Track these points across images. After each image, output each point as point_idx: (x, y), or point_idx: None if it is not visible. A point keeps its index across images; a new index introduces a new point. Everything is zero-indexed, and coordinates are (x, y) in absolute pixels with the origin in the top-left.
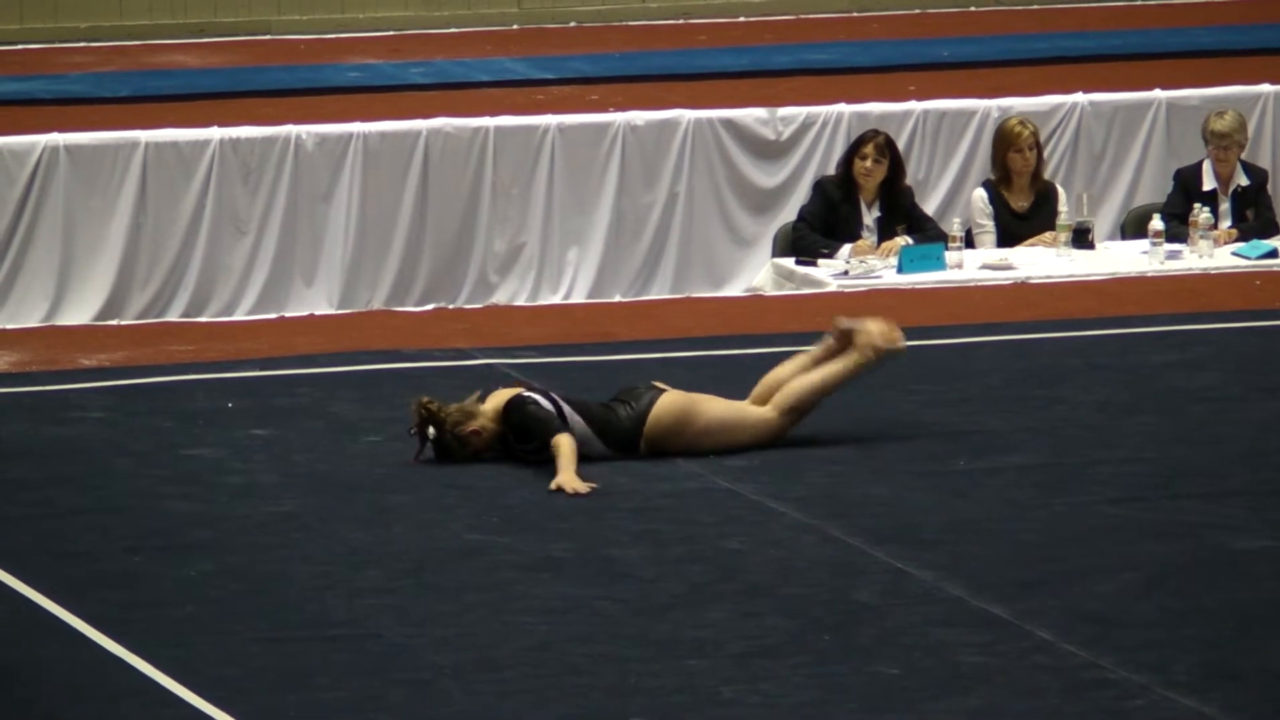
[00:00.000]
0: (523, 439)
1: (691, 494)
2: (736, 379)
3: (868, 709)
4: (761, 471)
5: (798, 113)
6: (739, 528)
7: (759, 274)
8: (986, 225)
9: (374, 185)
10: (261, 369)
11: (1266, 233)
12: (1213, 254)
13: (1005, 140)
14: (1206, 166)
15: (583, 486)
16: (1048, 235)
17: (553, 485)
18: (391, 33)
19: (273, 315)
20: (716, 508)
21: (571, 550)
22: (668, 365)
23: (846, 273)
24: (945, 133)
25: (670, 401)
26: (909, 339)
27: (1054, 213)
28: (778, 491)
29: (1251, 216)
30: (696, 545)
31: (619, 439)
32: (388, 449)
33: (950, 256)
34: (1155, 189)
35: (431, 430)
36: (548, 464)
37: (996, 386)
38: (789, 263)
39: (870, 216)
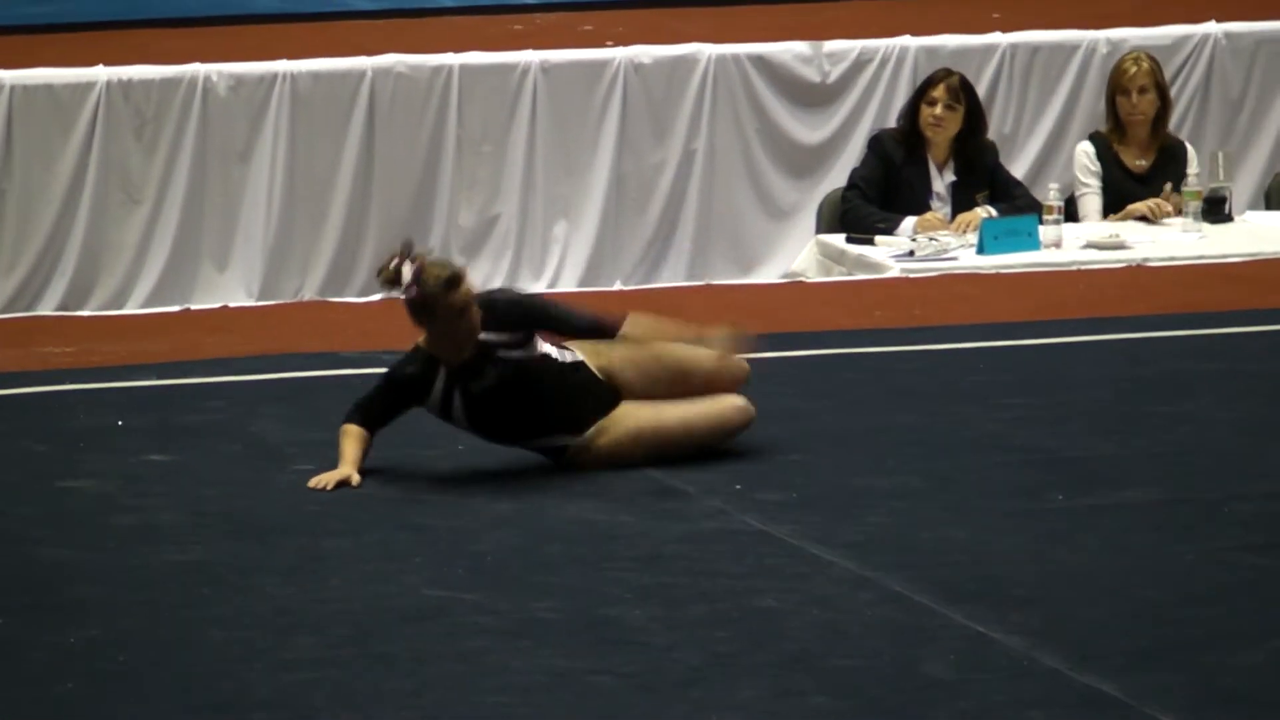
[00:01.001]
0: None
1: (713, 536)
2: (770, 387)
3: None
4: (803, 508)
5: (848, 47)
6: (774, 581)
7: (799, 255)
8: (1093, 187)
9: (305, 141)
10: (161, 376)
11: None
12: None
13: (1116, 82)
14: None
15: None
16: (1169, 198)
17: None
18: None
19: (175, 308)
20: (745, 555)
21: (560, 610)
22: None
23: (912, 253)
24: (1039, 73)
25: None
26: (991, 337)
27: (1181, 175)
28: (824, 534)
29: None
30: (720, 603)
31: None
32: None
33: (1045, 232)
34: None
35: (408, 271)
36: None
37: (1105, 400)
38: (838, 240)
39: (942, 181)
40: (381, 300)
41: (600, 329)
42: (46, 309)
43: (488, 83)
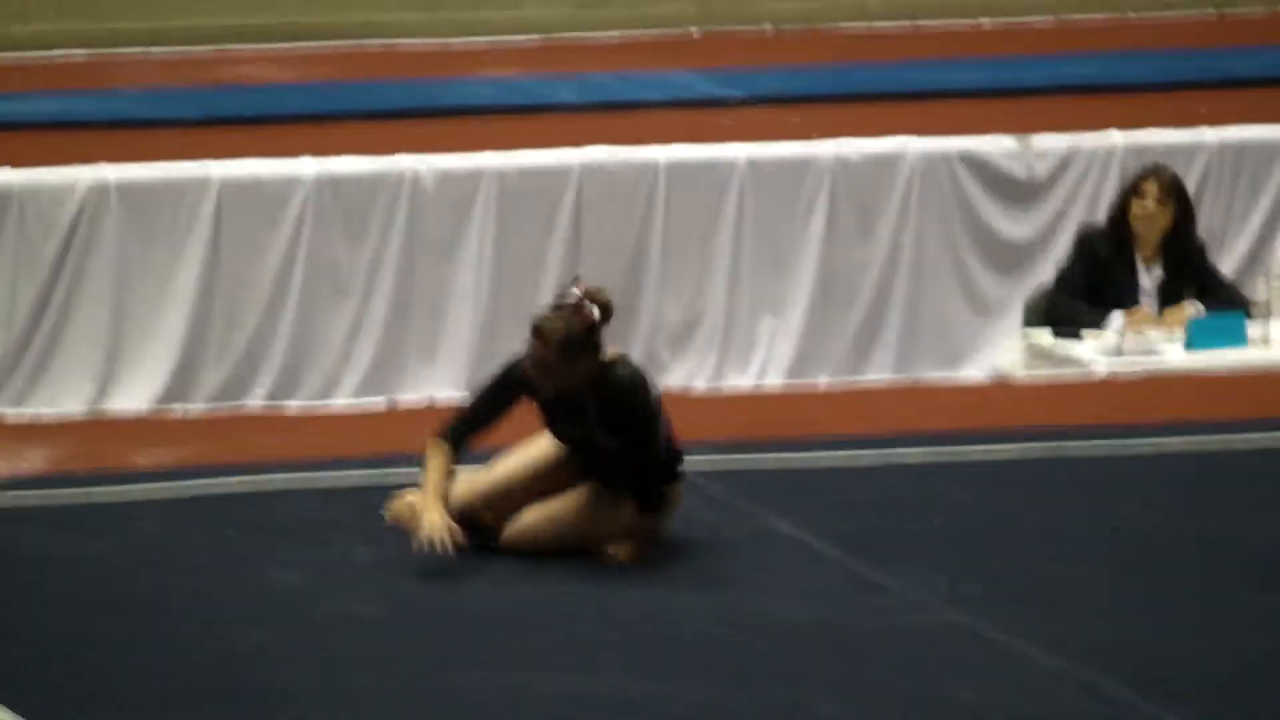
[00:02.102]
0: (617, 428)
1: (912, 630)
2: (977, 487)
3: None
4: (999, 597)
5: (1056, 143)
6: (972, 674)
7: (1006, 351)
8: None
9: (511, 235)
10: (365, 469)
11: None
12: None
13: None
14: None
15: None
16: None
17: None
18: (536, 38)
19: (381, 401)
20: (943, 648)
21: (758, 702)
22: (889, 468)
23: (1120, 350)
24: (1247, 169)
25: None
26: (1199, 433)
27: None
28: (1024, 627)
29: None
30: (918, 697)
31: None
32: (524, 572)
33: (1254, 329)
34: None
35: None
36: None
37: None
38: (1044, 336)
39: (1150, 277)
40: None
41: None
42: (254, 401)
43: (694, 177)
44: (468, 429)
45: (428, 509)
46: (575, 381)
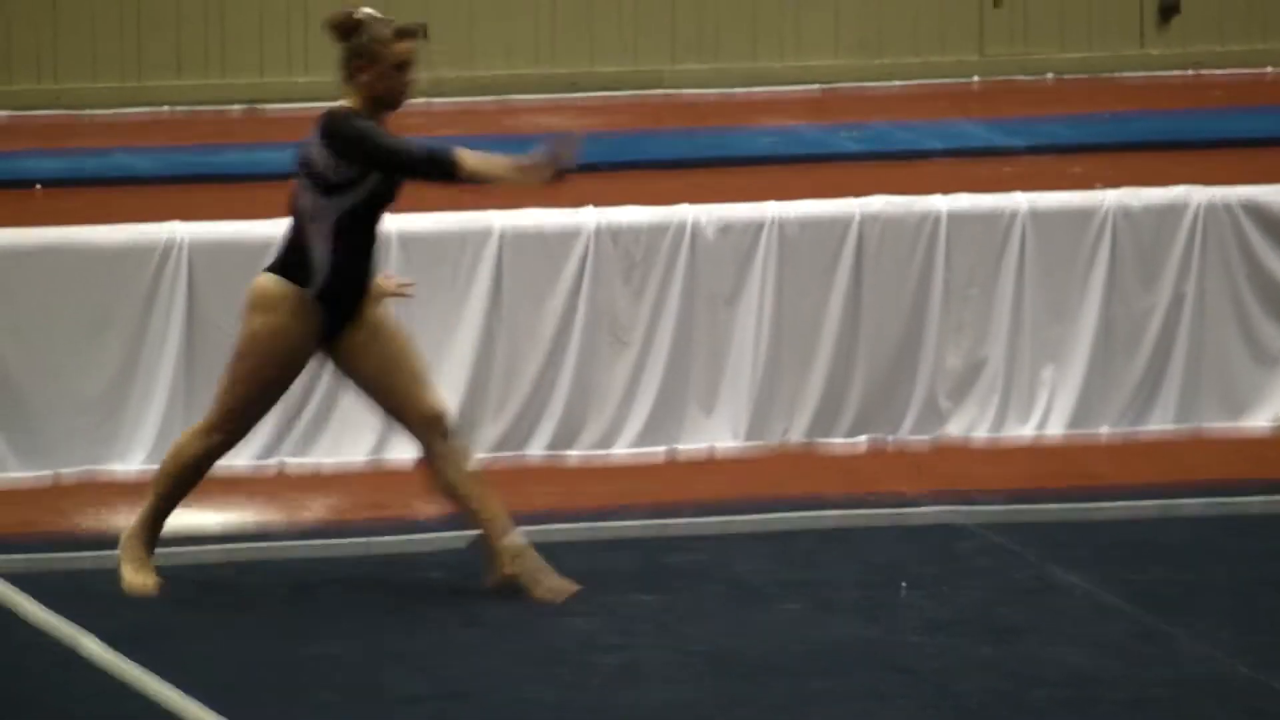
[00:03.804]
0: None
1: (1199, 682)
2: (1262, 538)
3: None
4: None
5: None
6: None
7: None
8: None
9: (792, 284)
10: (647, 518)
11: None
12: None
13: None
14: None
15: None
16: None
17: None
18: (817, 87)
19: (661, 450)
20: (1229, 699)
21: None
22: (1172, 519)
23: None
24: None
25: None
26: None
27: None
28: None
29: None
30: None
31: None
32: (810, 619)
33: None
34: None
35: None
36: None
37: None
38: None
39: None
40: (868, 444)
41: (438, 163)
42: (534, 451)
43: (975, 226)
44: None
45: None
46: (406, 87)
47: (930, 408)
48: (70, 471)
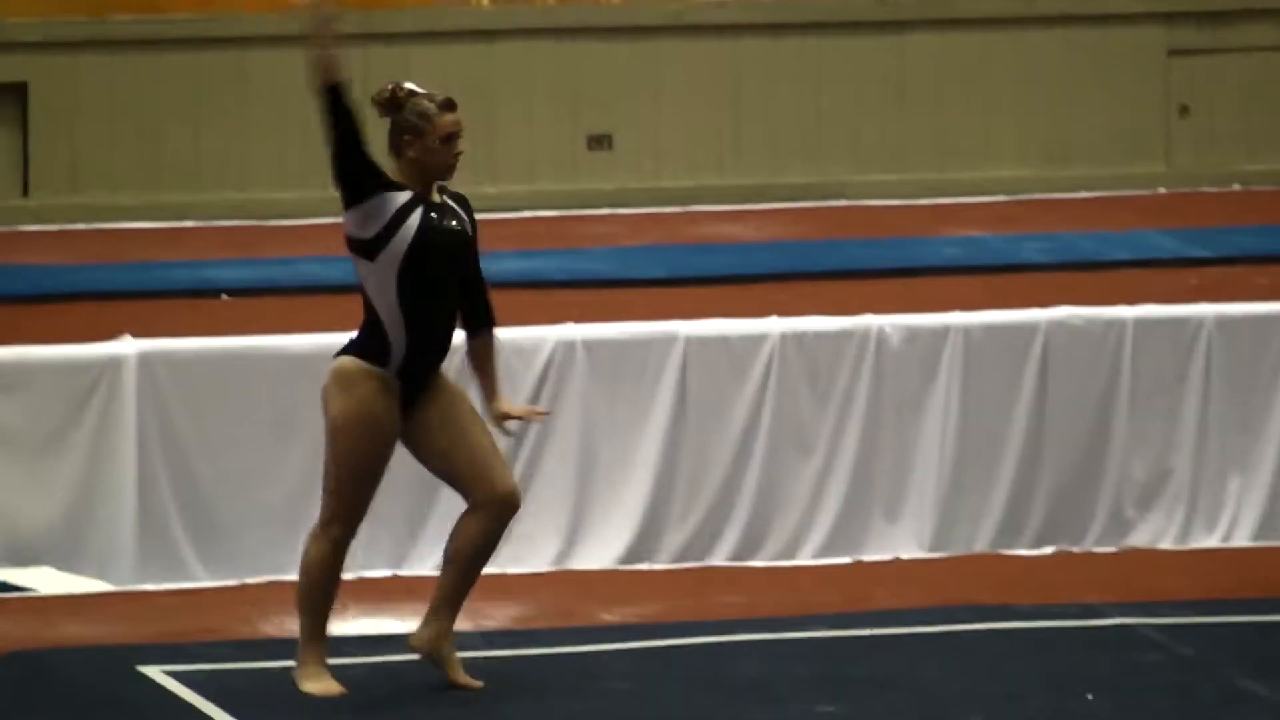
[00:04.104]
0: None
1: None
2: None
3: None
4: None
5: None
6: None
7: None
8: None
9: (977, 392)
10: (831, 628)
11: None
12: None
13: None
14: None
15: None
16: None
17: None
18: (1003, 198)
19: (846, 559)
20: None
21: None
22: None
23: None
24: None
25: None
26: None
27: None
28: None
29: None
30: None
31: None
32: None
33: None
34: None
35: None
36: None
37: None
38: None
39: None
40: (1054, 554)
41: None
42: (718, 559)
43: (1161, 335)
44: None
45: None
46: (452, 159)
47: (1116, 517)
48: (256, 581)
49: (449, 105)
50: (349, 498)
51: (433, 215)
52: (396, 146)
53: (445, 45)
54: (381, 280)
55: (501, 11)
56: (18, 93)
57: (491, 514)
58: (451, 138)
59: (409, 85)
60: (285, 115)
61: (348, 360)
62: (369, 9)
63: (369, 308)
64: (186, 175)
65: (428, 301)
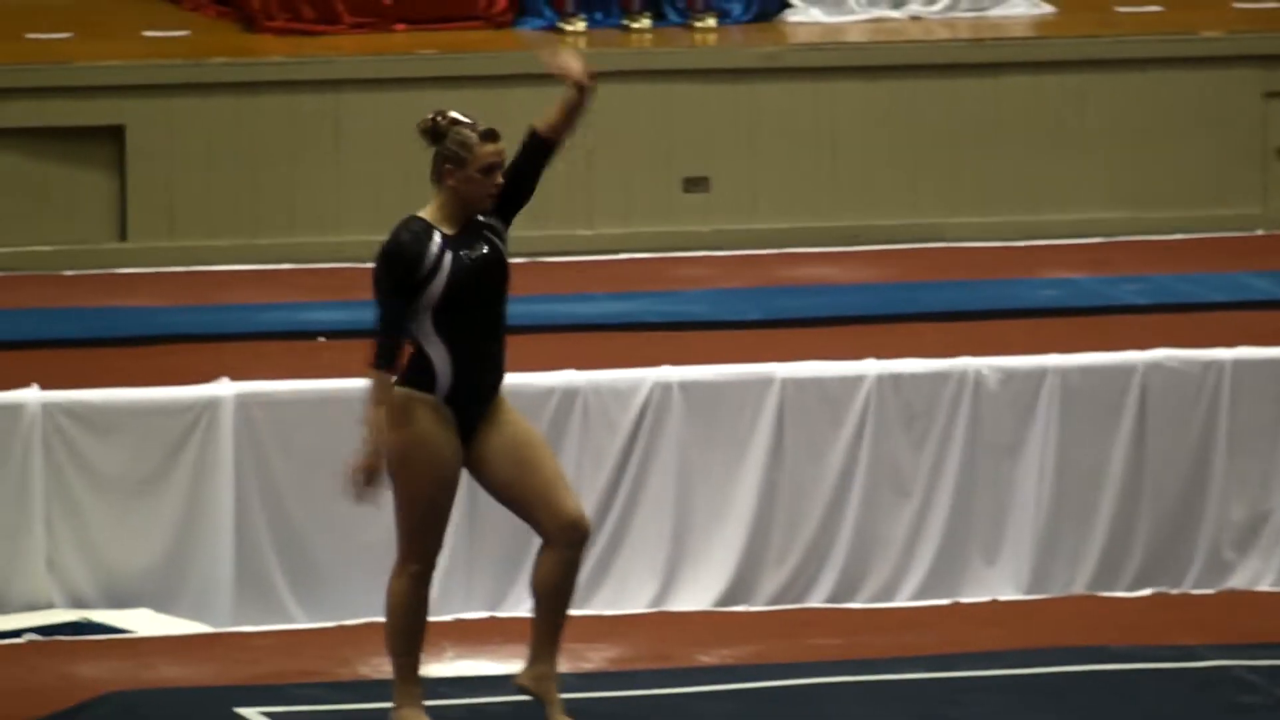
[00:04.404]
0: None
1: None
2: None
3: None
4: None
5: None
6: None
7: None
8: None
9: (1075, 435)
10: (928, 670)
11: None
12: None
13: None
14: None
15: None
16: None
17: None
18: (1098, 240)
19: (944, 601)
20: None
21: None
22: None
23: None
24: None
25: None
26: None
27: None
28: None
29: None
30: None
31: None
32: None
33: None
34: None
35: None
36: None
37: None
38: None
39: None
40: (1151, 596)
41: (373, 352)
42: (816, 601)
43: (1258, 378)
44: (395, 345)
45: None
46: (493, 189)
47: (1214, 559)
48: (353, 622)
49: (491, 136)
50: (419, 534)
51: (462, 254)
52: (438, 174)
53: (541, 88)
54: (419, 318)
55: (597, 54)
56: (115, 135)
57: (561, 544)
58: (492, 169)
59: (453, 114)
60: (381, 157)
61: (397, 392)
62: (462, 52)
63: (412, 340)
64: (282, 218)
65: (468, 330)
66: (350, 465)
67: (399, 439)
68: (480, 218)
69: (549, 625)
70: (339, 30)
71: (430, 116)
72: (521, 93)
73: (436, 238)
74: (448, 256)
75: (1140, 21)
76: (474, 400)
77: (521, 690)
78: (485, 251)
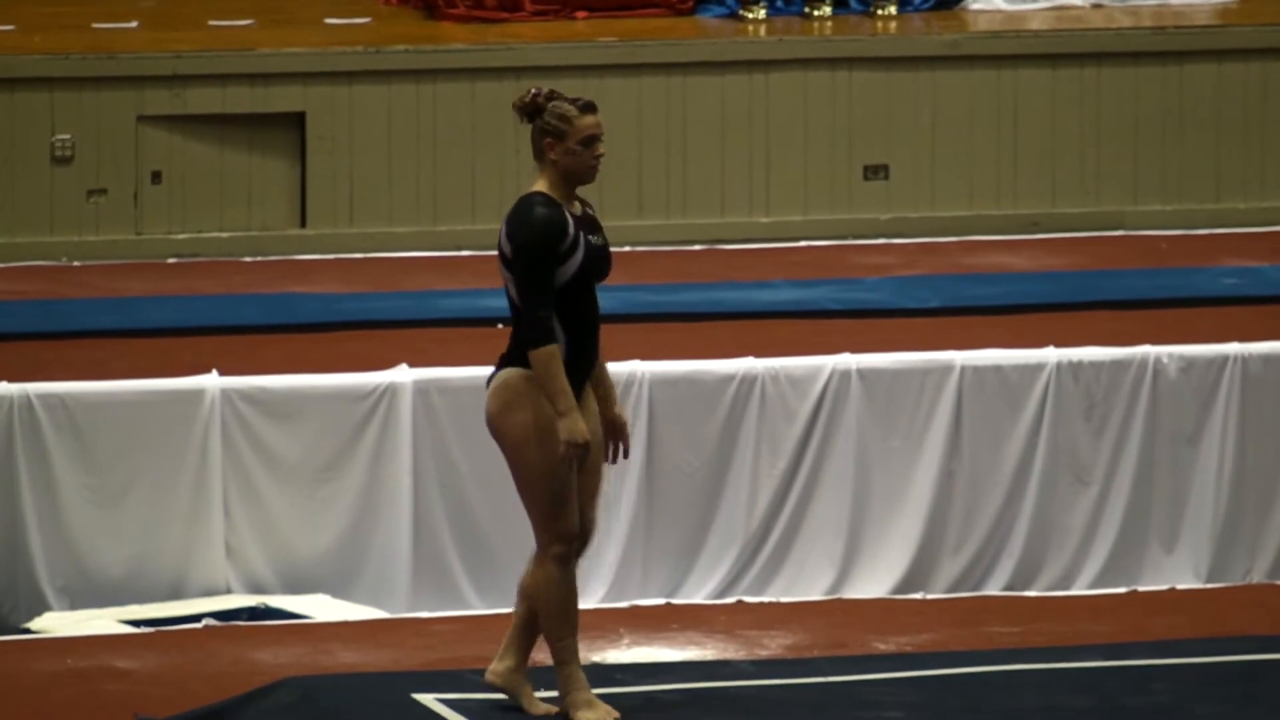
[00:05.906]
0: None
1: None
2: None
3: None
4: None
5: None
6: None
7: None
8: None
9: (1255, 424)
10: (1106, 658)
11: None
12: None
13: None
14: None
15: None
16: None
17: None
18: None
19: (1122, 589)
20: None
21: None
22: None
23: None
24: None
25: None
26: None
27: None
28: None
29: None
30: None
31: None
32: None
33: None
34: None
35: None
36: None
37: None
38: None
39: None
40: None
41: (530, 329)
42: (993, 589)
43: None
44: (552, 318)
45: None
46: (595, 162)
47: None
48: None
49: (589, 108)
50: (555, 514)
51: (590, 239)
52: (538, 150)
53: (720, 75)
54: None
55: (777, 42)
56: (296, 122)
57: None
58: (592, 140)
59: (548, 89)
60: None
61: (510, 373)
62: (643, 39)
63: (516, 320)
64: (462, 204)
65: (585, 308)
66: (564, 443)
67: (519, 421)
68: (587, 209)
69: (531, 627)
70: (520, 18)
71: (529, 92)
72: (702, 80)
73: (568, 214)
74: (581, 235)
75: None
76: (579, 377)
77: (492, 688)
78: (598, 240)
